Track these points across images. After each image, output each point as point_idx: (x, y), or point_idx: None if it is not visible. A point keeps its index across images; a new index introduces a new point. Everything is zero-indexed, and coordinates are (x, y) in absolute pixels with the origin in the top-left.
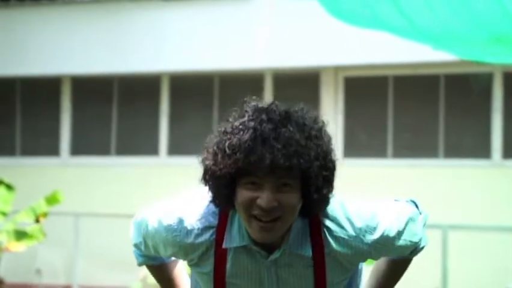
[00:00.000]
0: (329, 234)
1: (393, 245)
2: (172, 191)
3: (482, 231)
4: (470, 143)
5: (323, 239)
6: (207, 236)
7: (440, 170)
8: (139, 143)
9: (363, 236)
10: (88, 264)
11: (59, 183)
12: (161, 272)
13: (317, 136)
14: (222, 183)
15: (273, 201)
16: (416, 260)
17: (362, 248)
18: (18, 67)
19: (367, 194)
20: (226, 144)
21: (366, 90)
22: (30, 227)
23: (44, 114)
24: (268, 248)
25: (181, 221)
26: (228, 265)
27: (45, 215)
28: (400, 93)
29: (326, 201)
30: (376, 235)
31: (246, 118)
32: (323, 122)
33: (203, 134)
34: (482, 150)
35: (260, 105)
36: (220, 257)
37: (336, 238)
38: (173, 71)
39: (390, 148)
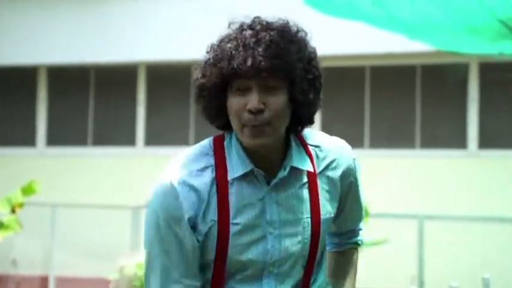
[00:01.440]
0: (318, 150)
1: (358, 186)
2: (149, 181)
3: (459, 221)
4: (446, 133)
5: (314, 157)
6: (207, 174)
7: (416, 160)
8: (116, 133)
9: (347, 149)
10: (65, 255)
11: (35, 174)
12: None
13: (299, 41)
14: (212, 94)
15: (260, 103)
16: (392, 249)
17: (348, 162)
18: None
19: None
20: (212, 56)
21: (343, 80)
22: (6, 217)
23: (20, 105)
24: (269, 173)
25: (176, 177)
26: (232, 200)
27: (21, 205)
28: (377, 84)
29: (312, 107)
30: (354, 154)
31: (229, 31)
32: (306, 33)
33: (180, 124)
34: (458, 141)
35: (244, 20)
36: (223, 193)
37: (325, 151)
38: (150, 62)
39: (367, 138)
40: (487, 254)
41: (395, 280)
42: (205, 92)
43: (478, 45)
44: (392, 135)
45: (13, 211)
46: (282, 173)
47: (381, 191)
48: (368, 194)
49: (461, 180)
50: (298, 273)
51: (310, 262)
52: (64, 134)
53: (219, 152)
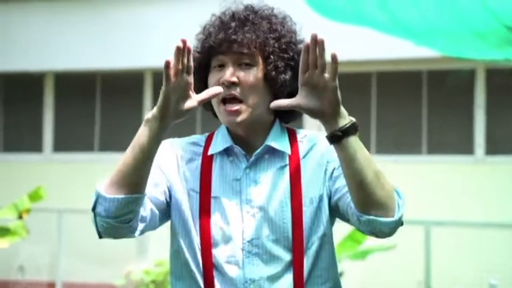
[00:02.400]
0: (305, 139)
1: None
2: None
3: (466, 227)
4: (453, 139)
5: (299, 143)
6: (196, 147)
7: (423, 166)
8: (123, 139)
9: None
10: (72, 261)
11: (42, 180)
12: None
13: (278, 23)
14: (196, 73)
15: (233, 75)
16: (399, 255)
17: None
18: (0, 63)
19: None
20: (197, 39)
21: (349, 86)
22: (13, 223)
23: (27, 111)
24: (249, 151)
25: (169, 140)
26: (214, 175)
27: (28, 211)
28: (383, 90)
29: (288, 88)
30: None
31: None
32: (294, 22)
33: (186, 130)
34: (465, 146)
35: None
36: (206, 167)
37: (310, 138)
38: (156, 68)
39: (373, 144)
40: (494, 259)
41: (402, 286)
42: (195, 71)
43: (483, 51)
44: (399, 141)
45: (20, 217)
46: (259, 150)
47: None
48: None
49: (468, 186)
50: (285, 256)
51: (297, 245)
52: (70, 140)
53: (210, 136)
